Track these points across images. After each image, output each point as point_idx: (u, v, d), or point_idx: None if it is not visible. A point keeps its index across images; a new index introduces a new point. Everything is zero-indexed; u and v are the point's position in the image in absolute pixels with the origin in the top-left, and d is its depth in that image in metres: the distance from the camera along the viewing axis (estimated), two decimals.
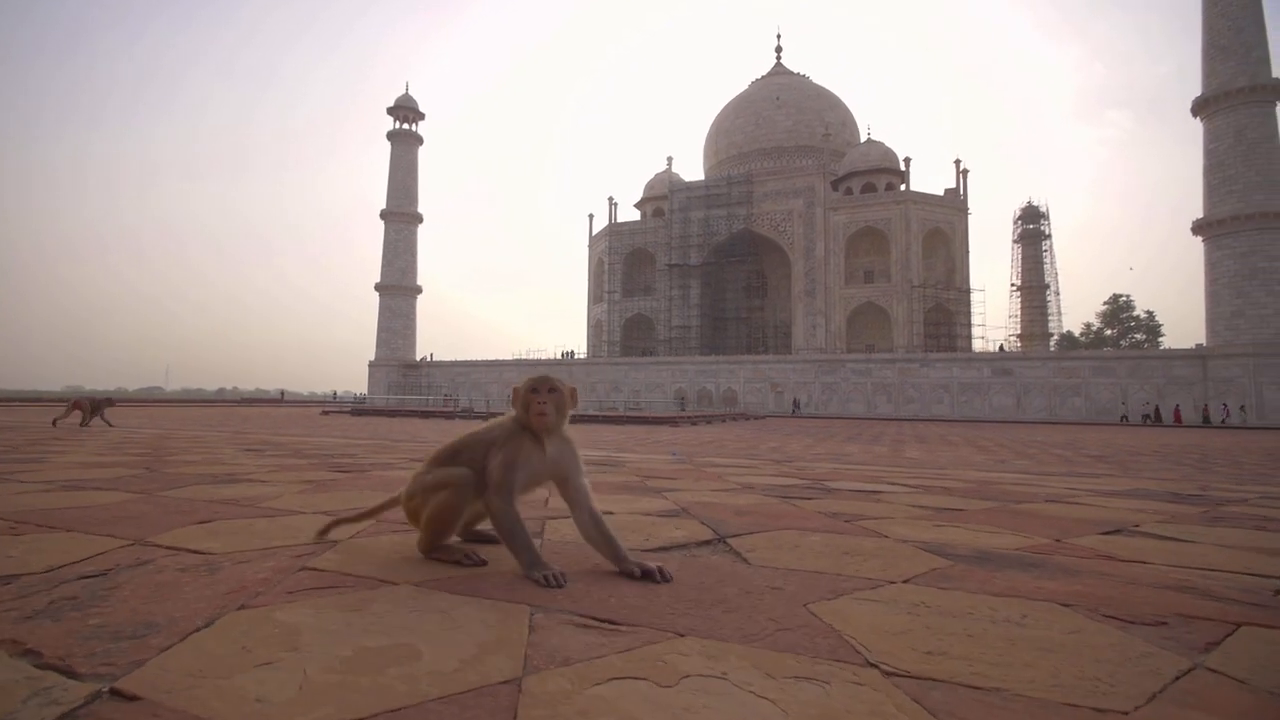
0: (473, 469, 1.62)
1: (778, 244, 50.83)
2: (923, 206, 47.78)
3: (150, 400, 42.75)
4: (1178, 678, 1.02)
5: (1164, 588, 1.58)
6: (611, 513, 2.49)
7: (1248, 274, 34.46)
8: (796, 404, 41.32)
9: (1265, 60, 35.69)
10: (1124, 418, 34.18)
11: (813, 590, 1.48)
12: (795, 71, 63.50)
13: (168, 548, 1.75)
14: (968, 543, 2.10)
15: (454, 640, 1.10)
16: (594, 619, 1.24)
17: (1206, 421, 31.90)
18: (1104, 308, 65.72)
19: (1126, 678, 1.02)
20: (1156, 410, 33.88)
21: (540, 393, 1.57)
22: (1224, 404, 32.67)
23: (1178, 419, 32.95)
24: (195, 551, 1.70)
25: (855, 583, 1.56)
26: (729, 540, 2.04)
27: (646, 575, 1.51)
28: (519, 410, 1.61)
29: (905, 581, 1.58)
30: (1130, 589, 1.56)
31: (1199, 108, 37.31)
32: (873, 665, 1.04)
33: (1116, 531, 2.41)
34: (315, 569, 1.55)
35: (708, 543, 2.01)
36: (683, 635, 1.16)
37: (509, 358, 53.78)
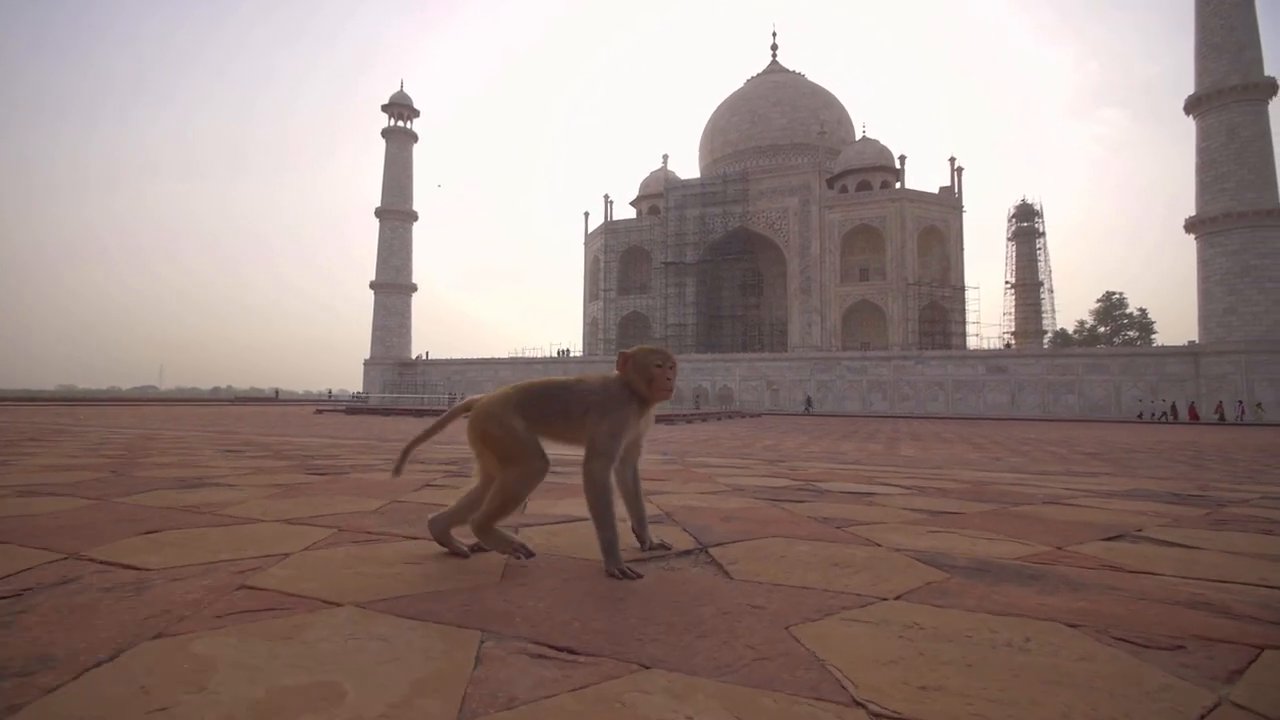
0: (543, 417, 1.64)
1: (773, 242, 50.73)
2: (918, 204, 47.75)
3: (143, 399, 42.38)
4: (1202, 717, 0.91)
5: (1177, 604, 1.47)
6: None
7: (1240, 271, 34.52)
8: (809, 401, 40.66)
9: (1258, 59, 35.71)
10: (1141, 415, 34.18)
11: (797, 609, 1.36)
12: (791, 69, 63.36)
13: (101, 562, 1.61)
14: (964, 551, 1.98)
15: (388, 676, 0.98)
16: (551, 647, 1.11)
17: (1222, 419, 31.86)
18: (1097, 305, 65.79)
19: (1145, 716, 0.90)
20: (1173, 407, 33.83)
21: (665, 367, 1.67)
22: (1239, 401, 32.63)
23: (1193, 416, 32.93)
24: (129, 567, 1.57)
25: (843, 600, 1.44)
26: (711, 550, 1.92)
27: (660, 546, 1.85)
28: (639, 381, 1.67)
29: (897, 598, 1.46)
30: (1141, 606, 1.44)
31: (1192, 106, 37.33)
32: (859, 704, 0.92)
33: (1119, 537, 2.30)
34: (254, 587, 1.42)
35: (688, 553, 1.88)
36: (648, 667, 1.03)
37: (504, 356, 53.57)
